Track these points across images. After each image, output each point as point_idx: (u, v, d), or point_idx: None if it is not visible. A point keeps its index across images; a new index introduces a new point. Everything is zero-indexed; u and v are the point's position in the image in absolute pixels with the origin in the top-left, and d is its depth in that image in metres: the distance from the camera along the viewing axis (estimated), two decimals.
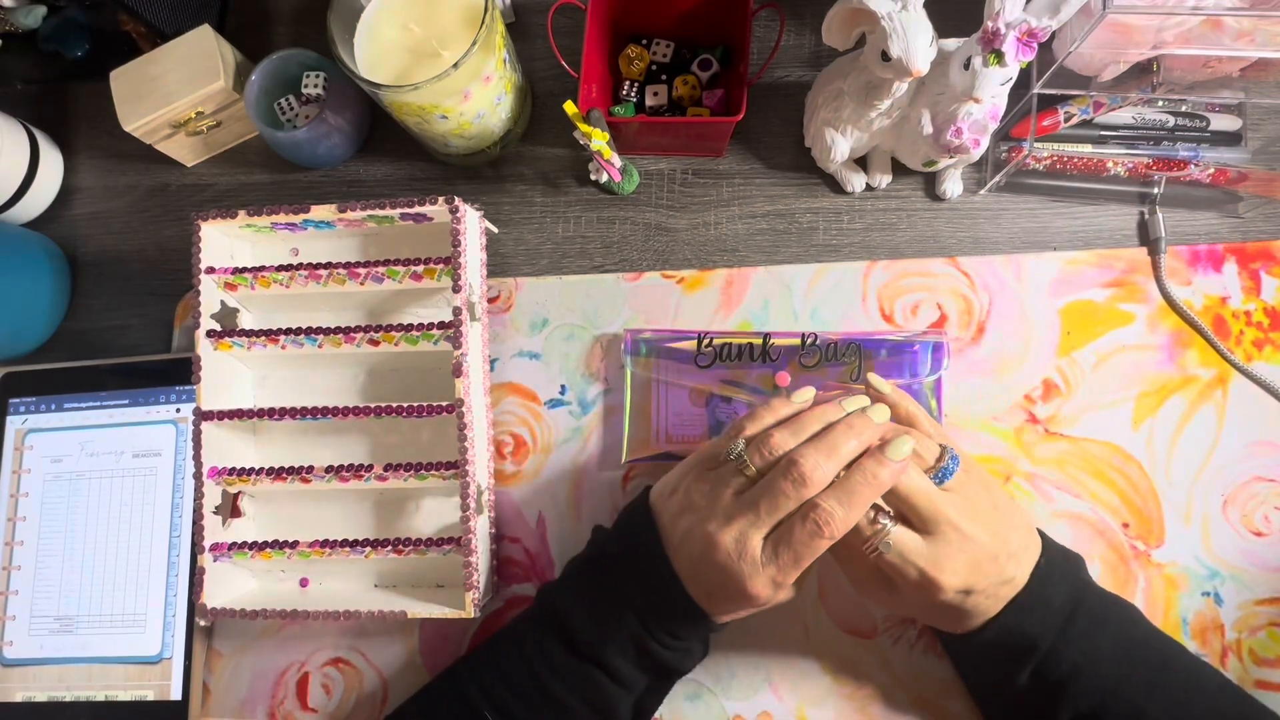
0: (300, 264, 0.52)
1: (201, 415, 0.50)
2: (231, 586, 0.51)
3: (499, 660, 0.44)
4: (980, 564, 0.38)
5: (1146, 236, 0.52)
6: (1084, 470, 0.49)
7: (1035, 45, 0.41)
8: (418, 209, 0.49)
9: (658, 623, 0.40)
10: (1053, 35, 0.44)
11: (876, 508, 0.38)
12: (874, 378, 0.44)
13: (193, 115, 0.56)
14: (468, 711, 0.42)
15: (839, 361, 0.49)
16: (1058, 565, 0.41)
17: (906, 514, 0.38)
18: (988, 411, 0.51)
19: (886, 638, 0.48)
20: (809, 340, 0.49)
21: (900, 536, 0.38)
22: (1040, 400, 0.50)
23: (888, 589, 0.40)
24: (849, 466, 0.37)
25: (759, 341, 0.50)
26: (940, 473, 0.39)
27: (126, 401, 0.56)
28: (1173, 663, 0.40)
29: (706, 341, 0.50)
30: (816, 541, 0.36)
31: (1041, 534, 0.42)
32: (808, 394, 0.42)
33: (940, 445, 0.40)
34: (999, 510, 0.40)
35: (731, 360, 0.50)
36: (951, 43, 0.45)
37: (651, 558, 0.40)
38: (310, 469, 0.50)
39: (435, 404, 0.49)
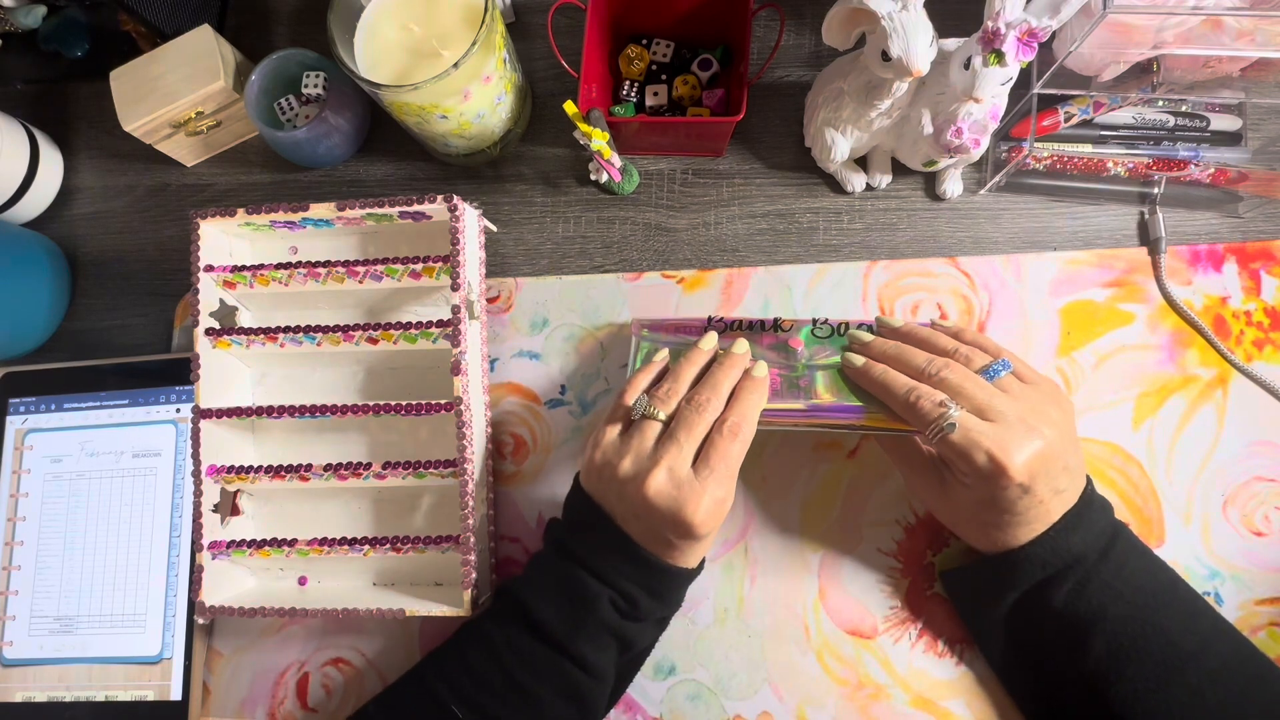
0: (299, 262, 0.52)
1: (200, 413, 0.50)
2: (230, 585, 0.51)
3: (465, 655, 0.44)
4: (1047, 461, 0.39)
5: (1146, 236, 0.52)
6: None
7: (1035, 45, 0.41)
8: (416, 207, 0.49)
9: (627, 590, 0.42)
10: (1053, 35, 0.44)
11: (942, 401, 0.40)
12: (882, 319, 0.48)
13: (193, 115, 0.56)
14: (435, 708, 0.42)
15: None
16: (1097, 495, 0.43)
17: (968, 408, 0.40)
18: None
19: (887, 638, 0.48)
20: (820, 321, 0.49)
21: (965, 417, 0.40)
22: None
23: (939, 486, 0.43)
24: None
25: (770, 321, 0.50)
26: (988, 372, 0.42)
27: (126, 401, 0.56)
28: (1199, 605, 0.42)
29: (717, 318, 0.50)
30: (734, 443, 0.41)
31: None
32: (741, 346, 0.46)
33: (992, 358, 0.43)
34: (1067, 420, 0.41)
35: (743, 331, 0.49)
36: (951, 43, 0.45)
37: (604, 532, 0.42)
38: (309, 467, 0.50)
39: (434, 402, 0.49)
